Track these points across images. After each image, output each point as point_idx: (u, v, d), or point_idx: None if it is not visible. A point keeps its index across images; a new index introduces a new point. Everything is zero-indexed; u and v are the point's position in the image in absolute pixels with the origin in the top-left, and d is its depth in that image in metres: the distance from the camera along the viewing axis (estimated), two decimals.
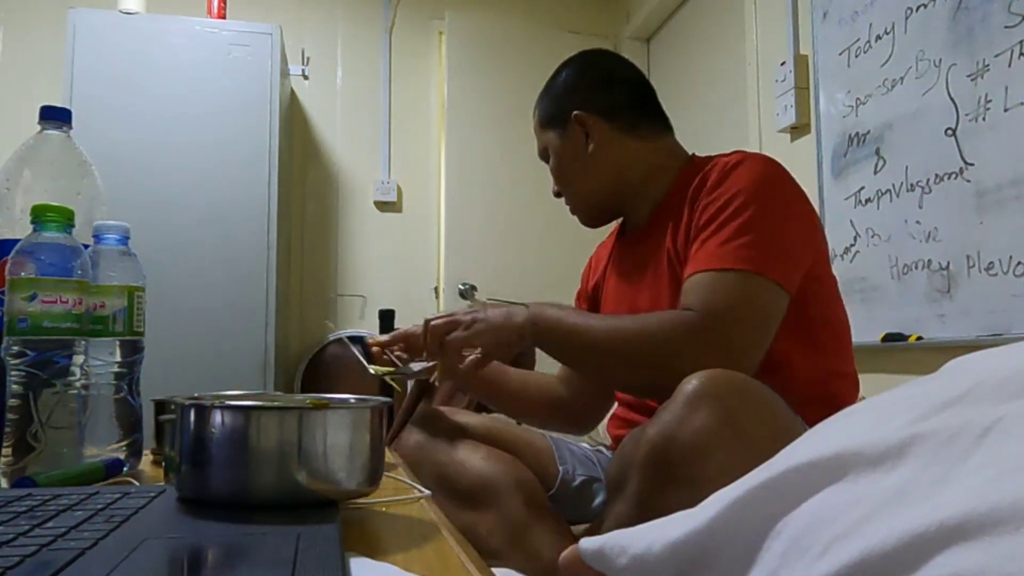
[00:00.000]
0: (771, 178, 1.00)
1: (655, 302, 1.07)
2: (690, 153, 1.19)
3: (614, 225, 1.28)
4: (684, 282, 0.97)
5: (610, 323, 0.97)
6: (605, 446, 1.22)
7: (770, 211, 0.97)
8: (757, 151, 2.43)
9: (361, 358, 1.14)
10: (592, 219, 1.22)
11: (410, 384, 2.00)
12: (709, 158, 1.11)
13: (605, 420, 1.25)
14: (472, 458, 1.06)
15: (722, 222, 0.97)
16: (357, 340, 3.13)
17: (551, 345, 1.01)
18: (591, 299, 1.30)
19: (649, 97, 1.20)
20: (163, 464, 0.77)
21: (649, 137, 1.17)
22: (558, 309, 1.01)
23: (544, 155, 1.23)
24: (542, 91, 1.24)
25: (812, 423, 0.89)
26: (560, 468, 1.13)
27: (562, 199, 1.23)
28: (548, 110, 1.21)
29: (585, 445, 1.22)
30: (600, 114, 1.16)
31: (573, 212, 1.23)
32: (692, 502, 0.77)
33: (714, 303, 0.91)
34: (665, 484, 0.77)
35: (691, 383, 0.79)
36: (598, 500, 1.12)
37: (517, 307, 1.02)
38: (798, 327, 0.99)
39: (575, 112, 1.16)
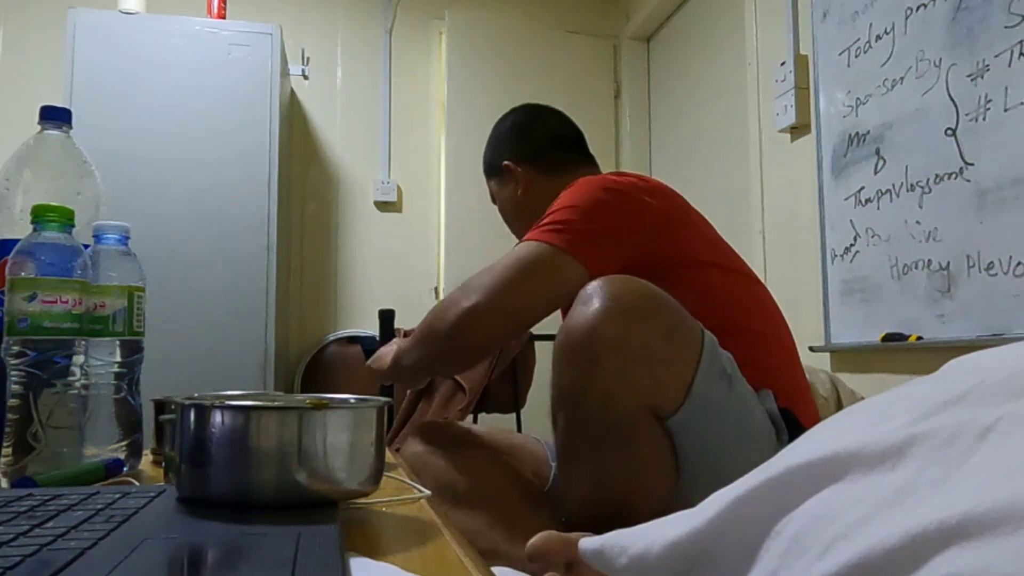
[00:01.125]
0: (590, 186, 1.10)
1: None
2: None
3: None
4: None
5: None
6: None
7: (572, 208, 1.07)
8: (757, 151, 2.43)
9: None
10: None
11: None
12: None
13: None
14: (470, 462, 1.09)
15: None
16: (357, 340, 3.13)
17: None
18: None
19: (572, 139, 1.36)
20: (163, 464, 0.77)
21: (568, 174, 1.27)
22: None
23: (491, 199, 1.42)
24: (490, 140, 1.42)
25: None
26: (552, 465, 1.15)
27: None
28: (486, 160, 1.41)
29: None
30: (524, 160, 1.34)
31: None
32: (596, 376, 0.86)
33: (493, 271, 1.07)
34: (571, 366, 0.85)
35: (588, 286, 0.89)
36: None
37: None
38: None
39: (504, 162, 1.35)
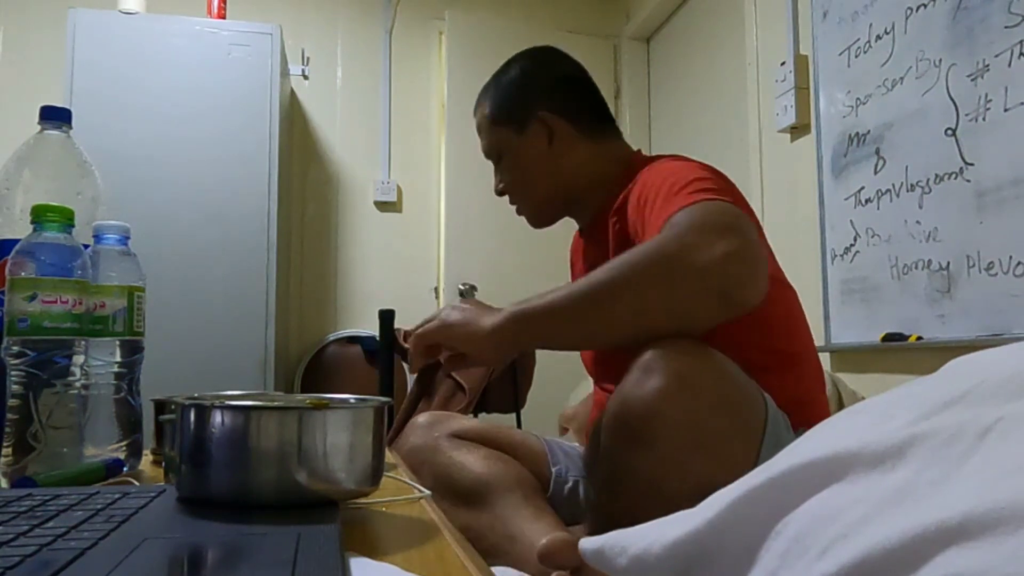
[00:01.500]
0: (690, 163, 1.00)
1: None
2: (635, 149, 1.18)
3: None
4: None
5: (595, 274, 0.87)
6: None
7: (707, 176, 0.94)
8: (757, 151, 2.43)
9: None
10: (542, 221, 1.21)
11: (410, 384, 2.00)
12: (645, 159, 1.11)
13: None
14: (470, 459, 1.08)
15: (658, 193, 0.93)
16: (357, 340, 3.13)
17: (540, 323, 0.88)
18: None
19: (599, 97, 1.18)
20: (163, 464, 0.77)
21: (602, 141, 1.15)
22: (534, 298, 0.91)
23: (492, 153, 1.19)
24: (490, 85, 1.20)
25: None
26: (553, 470, 1.13)
27: (505, 198, 1.21)
28: (503, 106, 1.16)
29: (577, 445, 1.22)
30: (563, 115, 1.13)
31: (520, 212, 1.21)
32: (651, 459, 0.78)
33: (686, 218, 0.85)
34: (626, 444, 0.77)
35: (646, 353, 0.79)
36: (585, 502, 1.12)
37: (487, 306, 0.93)
38: (759, 335, 0.95)
39: (541, 112, 1.13)
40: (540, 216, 1.20)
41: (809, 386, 1.01)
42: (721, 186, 0.92)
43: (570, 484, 1.13)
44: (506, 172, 1.18)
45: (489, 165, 1.24)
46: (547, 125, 1.13)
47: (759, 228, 0.99)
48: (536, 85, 1.16)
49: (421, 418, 1.22)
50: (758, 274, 0.82)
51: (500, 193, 1.21)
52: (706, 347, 0.81)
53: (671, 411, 0.75)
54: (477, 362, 0.93)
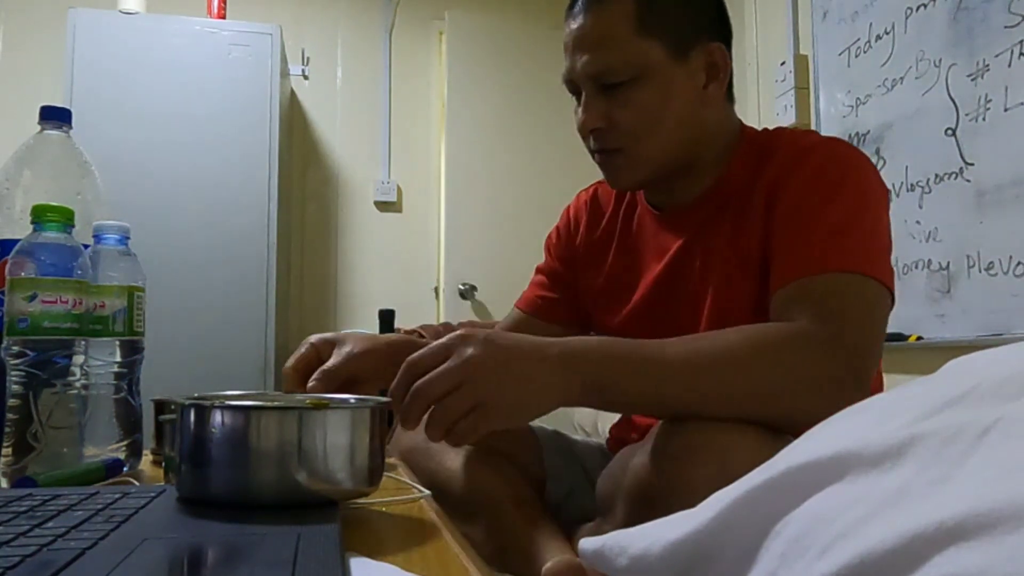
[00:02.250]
0: (860, 165, 0.86)
1: (722, 309, 0.88)
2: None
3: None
4: (777, 291, 0.80)
5: (699, 347, 0.72)
6: (602, 445, 1.20)
7: (863, 204, 0.82)
8: None
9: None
10: (640, 177, 0.92)
11: None
12: (767, 134, 0.94)
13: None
14: (458, 466, 1.00)
15: (813, 216, 0.80)
16: None
17: (616, 401, 0.74)
18: (565, 266, 1.08)
19: None
20: (163, 464, 0.77)
21: (732, 100, 0.96)
22: (597, 343, 0.72)
23: (620, 71, 0.85)
24: None
25: None
26: (549, 471, 1.10)
27: (593, 137, 0.91)
28: (664, 17, 0.86)
29: (577, 438, 1.19)
30: (728, 59, 0.90)
31: (610, 162, 0.91)
32: None
33: (832, 313, 0.74)
34: (652, 517, 0.71)
35: (699, 423, 0.69)
36: (584, 505, 1.09)
37: (534, 348, 0.69)
38: None
39: (713, 43, 0.89)
40: (645, 171, 0.91)
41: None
42: (867, 240, 0.80)
43: (566, 488, 1.11)
44: (629, 105, 0.86)
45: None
46: (714, 61, 0.89)
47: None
48: (708, 5, 0.91)
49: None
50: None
51: (597, 130, 0.89)
52: (761, 433, 0.70)
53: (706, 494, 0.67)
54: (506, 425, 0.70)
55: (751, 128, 0.97)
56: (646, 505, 0.72)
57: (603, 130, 0.89)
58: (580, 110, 0.90)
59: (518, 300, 1.16)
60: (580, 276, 1.07)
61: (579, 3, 0.91)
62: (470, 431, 0.65)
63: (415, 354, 0.68)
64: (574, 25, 0.90)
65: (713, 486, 0.65)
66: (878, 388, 0.97)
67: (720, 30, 0.91)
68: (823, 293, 0.76)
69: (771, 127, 1.02)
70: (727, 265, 0.89)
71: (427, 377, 0.64)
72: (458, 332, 0.68)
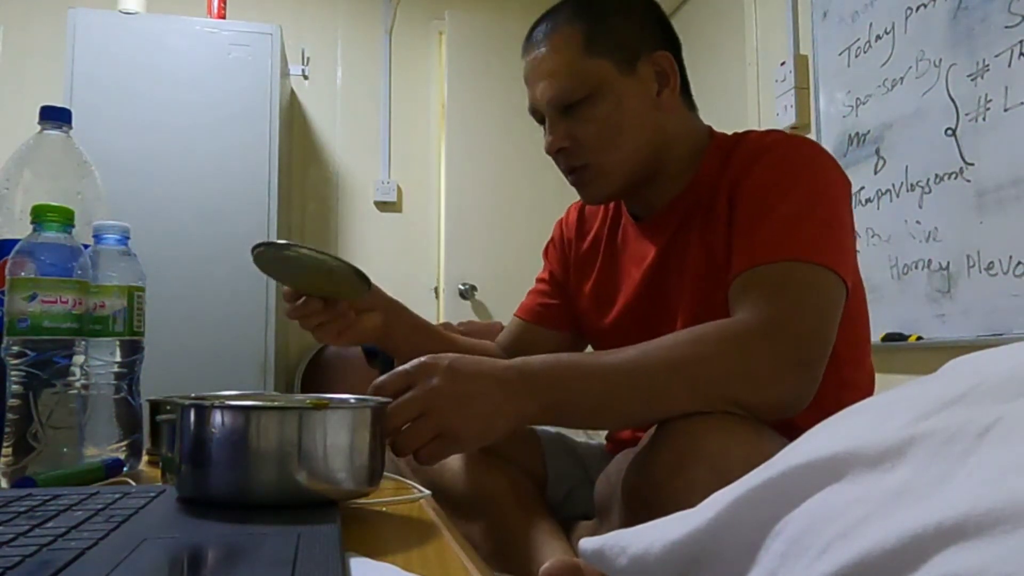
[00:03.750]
0: (817, 159, 0.89)
1: (699, 311, 0.90)
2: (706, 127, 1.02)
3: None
4: (732, 283, 0.83)
5: (645, 352, 0.74)
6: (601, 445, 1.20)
7: (818, 196, 0.84)
8: None
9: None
10: (611, 189, 0.96)
11: None
12: (735, 137, 0.98)
13: None
14: (457, 467, 1.01)
15: (766, 209, 0.83)
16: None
17: (572, 417, 0.78)
18: (563, 273, 1.11)
19: None
20: (159, 464, 0.77)
21: (691, 106, 1.01)
22: (552, 363, 0.74)
23: (575, 92, 0.90)
24: (571, 9, 0.94)
25: None
26: (550, 472, 1.10)
27: (560, 157, 0.95)
28: (608, 35, 0.91)
29: (579, 439, 1.19)
30: (678, 64, 0.95)
31: (580, 179, 0.95)
32: None
33: (775, 302, 0.76)
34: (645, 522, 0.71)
35: (681, 426, 0.71)
36: (585, 504, 1.09)
37: (493, 375, 0.71)
38: None
39: (658, 52, 0.93)
40: (613, 182, 0.94)
41: (861, 366, 0.96)
42: (820, 228, 0.82)
43: (568, 484, 1.11)
44: (587, 121, 0.91)
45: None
46: (662, 69, 0.93)
47: (856, 270, 0.92)
48: (649, 19, 0.95)
49: None
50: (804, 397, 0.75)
51: (561, 149, 0.94)
52: (757, 427, 0.72)
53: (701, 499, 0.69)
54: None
55: (721, 133, 1.00)
56: (641, 510, 0.72)
57: (568, 149, 0.93)
58: (546, 134, 0.95)
59: (518, 309, 1.16)
60: (572, 283, 1.11)
61: (533, 38, 0.96)
62: (435, 457, 0.68)
63: (380, 379, 0.70)
64: (530, 57, 0.96)
65: (706, 490, 0.66)
66: (870, 388, 0.99)
67: (664, 40, 0.96)
68: (770, 282, 0.78)
69: (770, 127, 1.03)
70: (700, 267, 0.91)
71: (391, 405, 0.66)
72: (422, 359, 0.69)
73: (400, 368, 0.69)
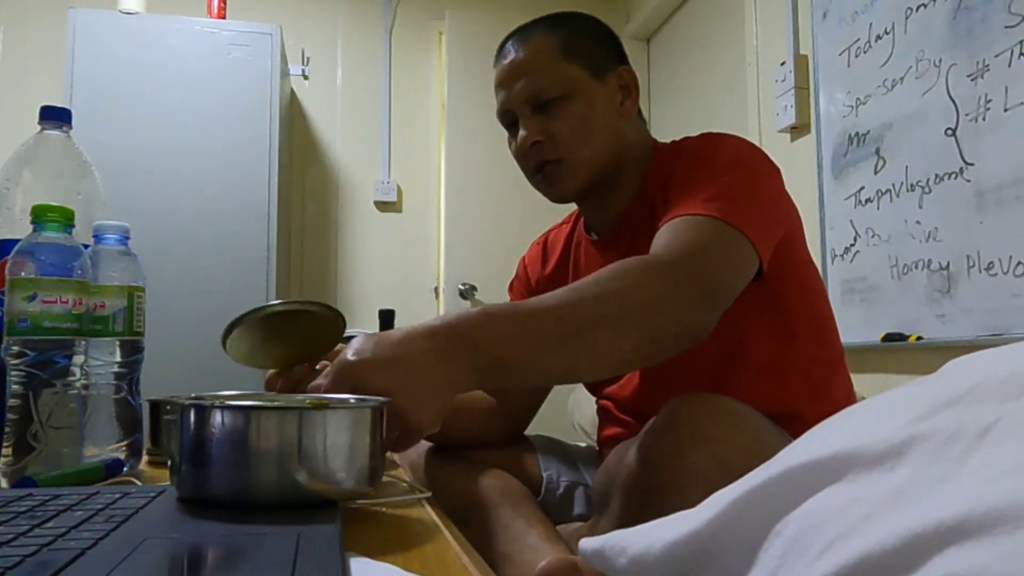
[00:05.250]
0: (740, 145, 0.96)
1: None
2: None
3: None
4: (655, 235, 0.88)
5: (569, 292, 0.75)
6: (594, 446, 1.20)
7: (741, 171, 0.91)
8: None
9: None
10: (578, 186, 1.01)
11: None
12: (674, 145, 1.05)
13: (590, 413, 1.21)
14: (459, 469, 1.02)
15: (691, 183, 0.89)
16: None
17: (506, 365, 0.70)
18: (532, 293, 1.15)
19: None
20: (169, 463, 0.77)
21: (642, 119, 1.08)
22: (479, 314, 0.70)
23: (551, 90, 0.97)
24: (547, 23, 1.03)
25: (803, 413, 0.88)
26: (544, 474, 1.10)
27: (533, 151, 1.00)
28: (582, 44, 1.01)
29: (572, 443, 1.20)
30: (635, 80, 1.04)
31: (551, 175, 1.00)
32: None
33: (682, 240, 0.81)
34: (647, 512, 0.67)
35: (682, 412, 0.73)
36: (580, 505, 1.10)
37: (414, 336, 0.66)
38: (774, 314, 0.95)
39: (623, 67, 1.03)
40: (581, 178, 1.00)
41: (829, 347, 1.01)
42: (734, 195, 0.87)
43: (562, 488, 1.11)
44: (562, 118, 0.98)
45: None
46: (626, 83, 1.02)
47: (801, 232, 1.04)
48: (613, 39, 1.07)
49: None
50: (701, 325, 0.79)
51: (536, 143, 0.99)
52: (748, 413, 0.77)
53: (704, 488, 0.67)
54: (417, 433, 0.65)
55: (663, 143, 1.07)
56: (642, 498, 0.73)
57: (542, 143, 0.99)
58: (520, 130, 1.01)
59: None
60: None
61: (507, 46, 1.04)
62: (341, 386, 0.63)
63: (315, 382, 0.70)
64: (505, 62, 1.03)
65: (705, 475, 0.68)
66: (848, 391, 1.04)
67: (624, 57, 1.06)
68: (685, 227, 0.84)
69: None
70: None
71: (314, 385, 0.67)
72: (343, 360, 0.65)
73: (329, 370, 0.66)
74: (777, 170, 0.97)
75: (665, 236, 0.84)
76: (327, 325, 0.84)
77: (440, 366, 0.65)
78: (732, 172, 0.91)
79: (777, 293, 0.95)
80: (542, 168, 1.01)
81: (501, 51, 1.05)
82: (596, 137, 0.99)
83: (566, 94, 0.98)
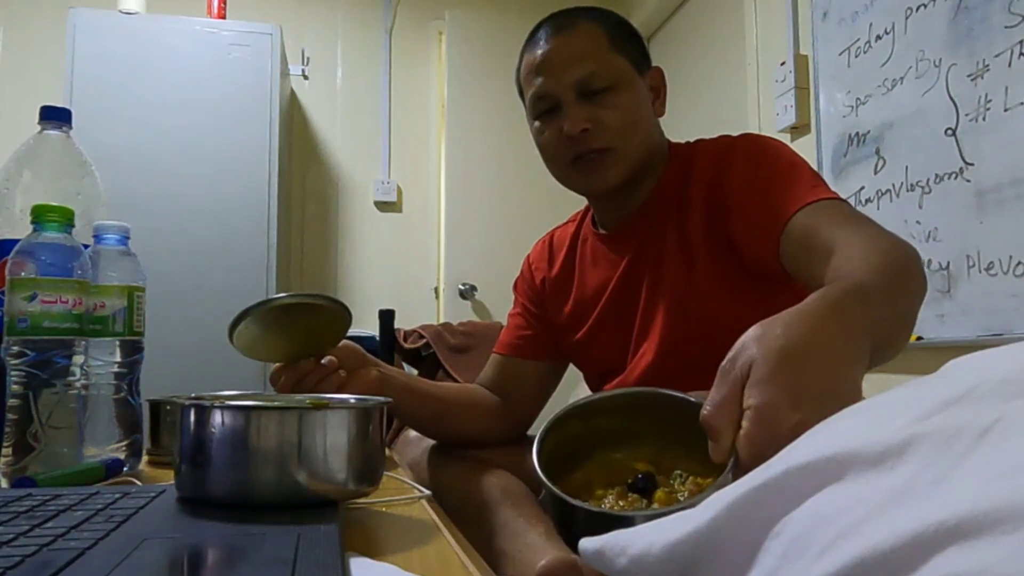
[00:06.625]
0: (777, 143, 0.98)
1: (679, 294, 0.96)
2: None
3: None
4: (780, 237, 0.84)
5: (883, 280, 0.71)
6: None
7: (795, 161, 0.93)
8: None
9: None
10: (622, 174, 0.99)
11: None
12: (688, 146, 1.05)
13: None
14: (459, 469, 1.02)
15: (764, 179, 0.89)
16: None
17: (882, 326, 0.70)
18: (535, 305, 1.16)
19: None
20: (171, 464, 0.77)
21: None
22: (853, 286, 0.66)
23: (603, 78, 0.96)
24: (597, 13, 1.02)
25: None
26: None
27: (580, 139, 0.97)
28: (628, 38, 1.02)
29: None
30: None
31: (608, 165, 0.98)
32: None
33: (858, 228, 0.78)
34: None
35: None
36: None
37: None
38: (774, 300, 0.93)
39: (655, 67, 1.05)
40: (624, 168, 0.99)
41: None
42: (824, 182, 0.90)
43: None
44: (612, 107, 0.97)
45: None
46: (657, 83, 1.04)
47: None
48: (642, 43, 1.06)
49: (412, 432, 1.18)
50: None
51: (585, 130, 0.97)
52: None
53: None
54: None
55: (678, 144, 1.07)
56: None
57: (590, 131, 0.97)
58: (565, 115, 0.98)
59: (496, 346, 1.19)
60: (549, 311, 1.15)
61: (547, 31, 1.01)
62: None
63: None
64: (549, 47, 0.99)
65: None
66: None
67: (651, 60, 1.06)
68: (830, 212, 0.82)
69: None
70: (676, 259, 0.97)
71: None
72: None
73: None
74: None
75: (830, 225, 0.79)
76: (334, 319, 0.84)
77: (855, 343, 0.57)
78: (793, 157, 0.93)
79: (796, 289, 0.93)
80: (581, 156, 0.98)
81: (537, 36, 1.02)
82: (642, 130, 1.00)
83: (616, 84, 0.97)
